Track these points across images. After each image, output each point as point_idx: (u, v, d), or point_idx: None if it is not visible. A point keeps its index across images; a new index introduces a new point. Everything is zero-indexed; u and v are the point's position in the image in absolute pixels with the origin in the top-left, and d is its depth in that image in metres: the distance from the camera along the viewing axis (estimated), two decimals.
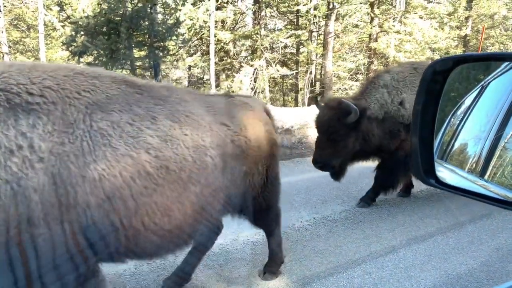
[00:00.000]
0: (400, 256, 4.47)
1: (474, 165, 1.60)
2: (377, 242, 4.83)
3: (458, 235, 5.08)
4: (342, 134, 5.31)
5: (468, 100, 1.77)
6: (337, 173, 5.62)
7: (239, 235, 4.88)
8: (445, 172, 1.69)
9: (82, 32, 11.72)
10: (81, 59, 12.93)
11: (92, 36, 11.50)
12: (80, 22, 11.53)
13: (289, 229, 5.15)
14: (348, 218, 5.63)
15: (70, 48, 12.31)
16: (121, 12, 12.10)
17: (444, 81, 1.42)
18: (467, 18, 23.07)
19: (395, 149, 5.80)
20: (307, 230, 5.19)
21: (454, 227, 5.34)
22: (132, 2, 12.15)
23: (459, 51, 21.73)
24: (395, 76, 5.86)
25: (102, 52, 11.84)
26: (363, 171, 6.33)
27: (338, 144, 5.35)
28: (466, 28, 22.51)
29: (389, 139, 5.71)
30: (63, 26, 12.42)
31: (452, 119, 1.76)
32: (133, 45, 12.46)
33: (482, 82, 1.71)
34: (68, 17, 13.20)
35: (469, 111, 1.73)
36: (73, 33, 11.82)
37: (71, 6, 15.42)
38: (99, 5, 12.75)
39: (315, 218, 5.60)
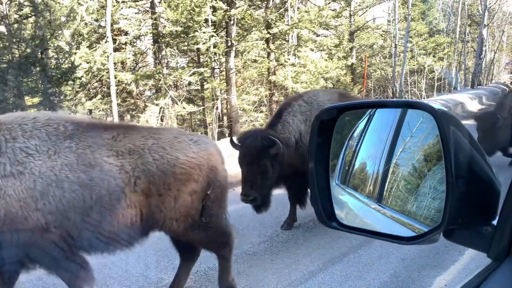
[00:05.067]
0: (319, 280, 4.64)
1: (372, 187, 1.73)
2: (296, 270, 4.96)
3: (368, 252, 5.44)
4: (266, 165, 5.52)
5: (362, 124, 1.91)
6: (261, 205, 5.76)
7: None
8: (346, 196, 1.80)
9: None
10: None
11: None
12: None
13: (209, 270, 5.05)
14: (267, 249, 5.71)
15: None
16: (7, 59, 11.22)
17: (333, 125, 1.55)
18: (351, 49, 25.69)
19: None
20: None
21: (364, 244, 5.70)
22: (20, 48, 11.35)
23: (348, 79, 24.04)
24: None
25: None
26: (278, 200, 6.50)
27: (265, 175, 5.53)
28: (352, 58, 25.10)
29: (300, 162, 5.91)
30: None
31: (350, 142, 1.89)
32: (24, 93, 11.56)
33: (370, 110, 1.87)
34: None
35: (363, 135, 1.87)
36: None
37: None
38: None
39: (235, 253, 5.54)
